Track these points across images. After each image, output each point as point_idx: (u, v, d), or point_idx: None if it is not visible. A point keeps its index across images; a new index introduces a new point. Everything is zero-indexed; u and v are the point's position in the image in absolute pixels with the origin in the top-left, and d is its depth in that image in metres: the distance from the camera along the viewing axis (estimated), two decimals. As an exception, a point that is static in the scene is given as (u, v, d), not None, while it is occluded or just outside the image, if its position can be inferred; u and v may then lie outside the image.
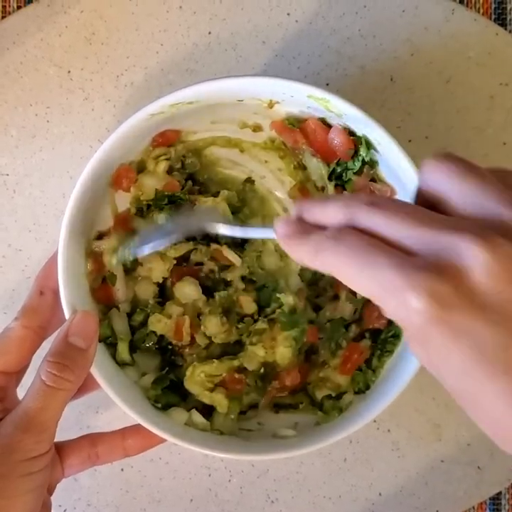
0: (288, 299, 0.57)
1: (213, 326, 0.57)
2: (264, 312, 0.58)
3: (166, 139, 0.57)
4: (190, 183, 0.59)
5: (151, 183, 0.57)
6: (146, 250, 0.53)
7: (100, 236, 0.57)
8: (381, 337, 0.58)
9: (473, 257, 0.32)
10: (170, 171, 0.58)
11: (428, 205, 0.36)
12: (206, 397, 0.56)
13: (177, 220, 0.55)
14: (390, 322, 0.58)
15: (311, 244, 0.36)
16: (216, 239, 0.58)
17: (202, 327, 0.57)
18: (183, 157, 0.58)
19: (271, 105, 0.55)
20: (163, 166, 0.57)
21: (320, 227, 0.37)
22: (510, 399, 0.33)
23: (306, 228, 0.37)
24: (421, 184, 0.38)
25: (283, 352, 0.57)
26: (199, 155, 0.59)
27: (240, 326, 0.58)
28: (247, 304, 0.58)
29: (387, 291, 0.33)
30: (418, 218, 0.34)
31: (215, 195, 0.58)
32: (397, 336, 0.57)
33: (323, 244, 0.36)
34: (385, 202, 0.36)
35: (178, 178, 0.58)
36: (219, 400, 0.56)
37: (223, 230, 0.50)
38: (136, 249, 0.54)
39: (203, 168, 0.60)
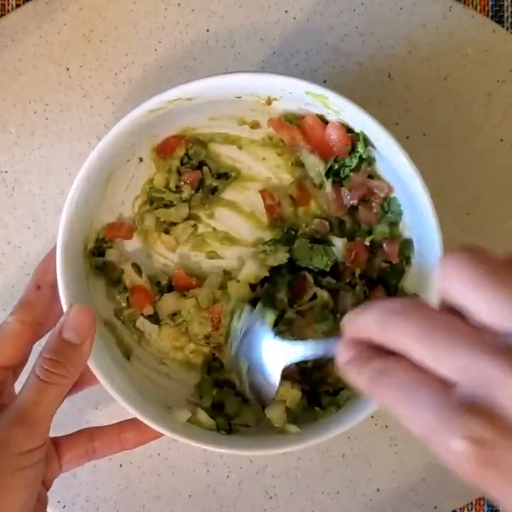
0: (323, 294, 0.58)
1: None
2: (297, 303, 0.59)
3: (170, 147, 0.58)
4: (206, 169, 0.59)
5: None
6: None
7: (102, 253, 0.58)
8: None
9: (508, 389, 0.30)
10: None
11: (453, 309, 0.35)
12: None
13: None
14: None
15: (364, 377, 0.36)
16: None
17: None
18: (186, 149, 0.59)
19: (269, 102, 0.56)
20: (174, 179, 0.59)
21: (376, 348, 0.36)
22: None
23: (363, 354, 0.37)
24: (440, 294, 0.36)
25: None
26: (202, 145, 0.60)
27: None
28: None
29: (431, 435, 0.32)
30: (452, 340, 0.33)
31: None
32: None
33: (375, 378, 0.35)
34: (413, 313, 0.34)
35: (188, 170, 0.59)
36: None
37: (286, 344, 0.52)
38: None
39: (208, 158, 0.60)
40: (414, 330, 0.34)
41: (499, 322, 0.32)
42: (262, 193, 0.60)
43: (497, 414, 0.31)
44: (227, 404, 0.58)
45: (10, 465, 0.47)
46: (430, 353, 0.33)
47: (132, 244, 0.60)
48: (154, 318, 0.59)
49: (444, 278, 0.34)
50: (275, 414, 0.56)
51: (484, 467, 0.31)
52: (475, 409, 0.31)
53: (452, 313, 0.34)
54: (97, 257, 0.57)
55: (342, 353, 0.38)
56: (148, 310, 0.59)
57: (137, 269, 0.59)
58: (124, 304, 0.58)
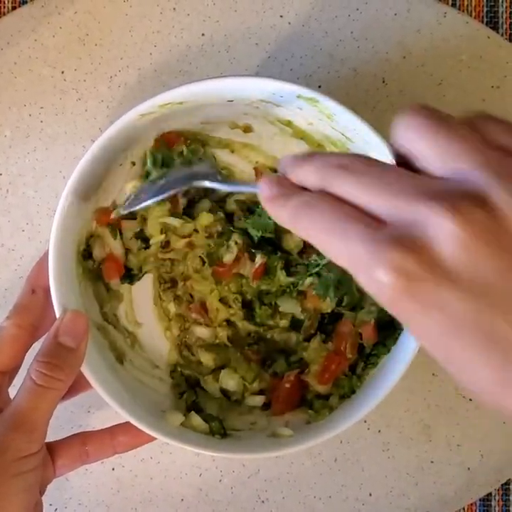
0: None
1: None
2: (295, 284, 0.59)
3: (170, 141, 0.58)
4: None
5: None
6: (138, 206, 0.54)
7: (90, 254, 0.58)
8: (365, 352, 0.58)
9: (440, 227, 0.31)
10: None
11: (405, 163, 0.35)
12: None
13: (168, 175, 0.55)
14: (377, 344, 0.58)
15: (289, 208, 0.36)
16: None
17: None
18: (185, 145, 0.58)
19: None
20: None
21: (303, 188, 0.37)
22: (498, 370, 0.32)
23: (288, 189, 0.37)
24: (393, 143, 0.36)
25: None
26: (200, 143, 0.59)
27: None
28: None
29: (357, 264, 0.33)
30: (388, 183, 0.33)
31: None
32: (377, 355, 0.57)
33: (300, 209, 0.35)
34: (355, 164, 0.35)
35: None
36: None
37: (210, 184, 0.51)
38: (128, 206, 0.54)
39: (205, 157, 0.60)
40: (351, 181, 0.34)
41: (442, 163, 0.33)
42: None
43: (423, 251, 0.32)
44: (205, 405, 0.58)
45: (9, 470, 0.47)
46: (364, 193, 0.34)
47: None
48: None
49: (399, 127, 0.35)
50: (228, 381, 0.58)
51: (405, 298, 0.32)
52: (403, 243, 0.32)
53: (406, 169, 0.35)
54: (88, 259, 0.57)
55: (265, 188, 0.38)
56: (116, 284, 0.59)
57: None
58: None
